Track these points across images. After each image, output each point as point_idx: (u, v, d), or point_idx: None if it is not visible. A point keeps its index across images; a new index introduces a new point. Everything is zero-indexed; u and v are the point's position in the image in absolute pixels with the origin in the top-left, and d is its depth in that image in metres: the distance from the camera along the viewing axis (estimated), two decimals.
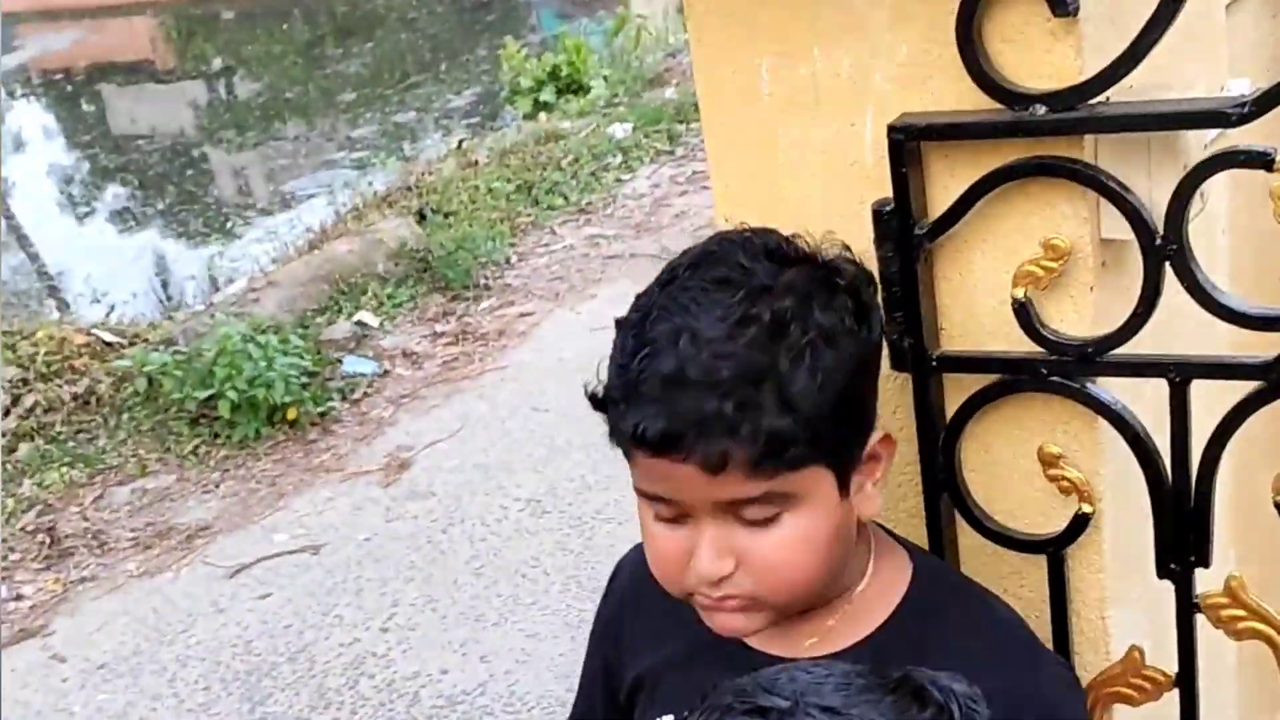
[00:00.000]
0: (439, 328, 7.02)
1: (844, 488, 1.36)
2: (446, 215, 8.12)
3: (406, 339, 6.91)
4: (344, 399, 6.42)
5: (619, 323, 1.36)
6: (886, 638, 1.43)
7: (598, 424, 1.37)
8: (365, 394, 6.49)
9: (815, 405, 1.28)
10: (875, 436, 1.40)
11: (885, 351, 1.57)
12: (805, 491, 1.33)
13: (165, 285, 8.93)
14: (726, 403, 1.25)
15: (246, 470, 5.93)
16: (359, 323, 7.02)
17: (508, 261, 7.75)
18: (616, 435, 1.33)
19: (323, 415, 6.22)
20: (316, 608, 4.88)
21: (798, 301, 1.30)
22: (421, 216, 8.02)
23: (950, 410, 1.58)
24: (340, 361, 6.68)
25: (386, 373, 6.67)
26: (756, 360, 1.27)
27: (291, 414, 6.11)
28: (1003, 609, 1.52)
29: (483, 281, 7.48)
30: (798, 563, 1.35)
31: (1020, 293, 1.47)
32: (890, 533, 1.55)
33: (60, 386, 6.26)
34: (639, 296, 1.36)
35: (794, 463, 1.29)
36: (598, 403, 1.35)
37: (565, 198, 8.56)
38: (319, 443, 6.09)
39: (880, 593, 1.46)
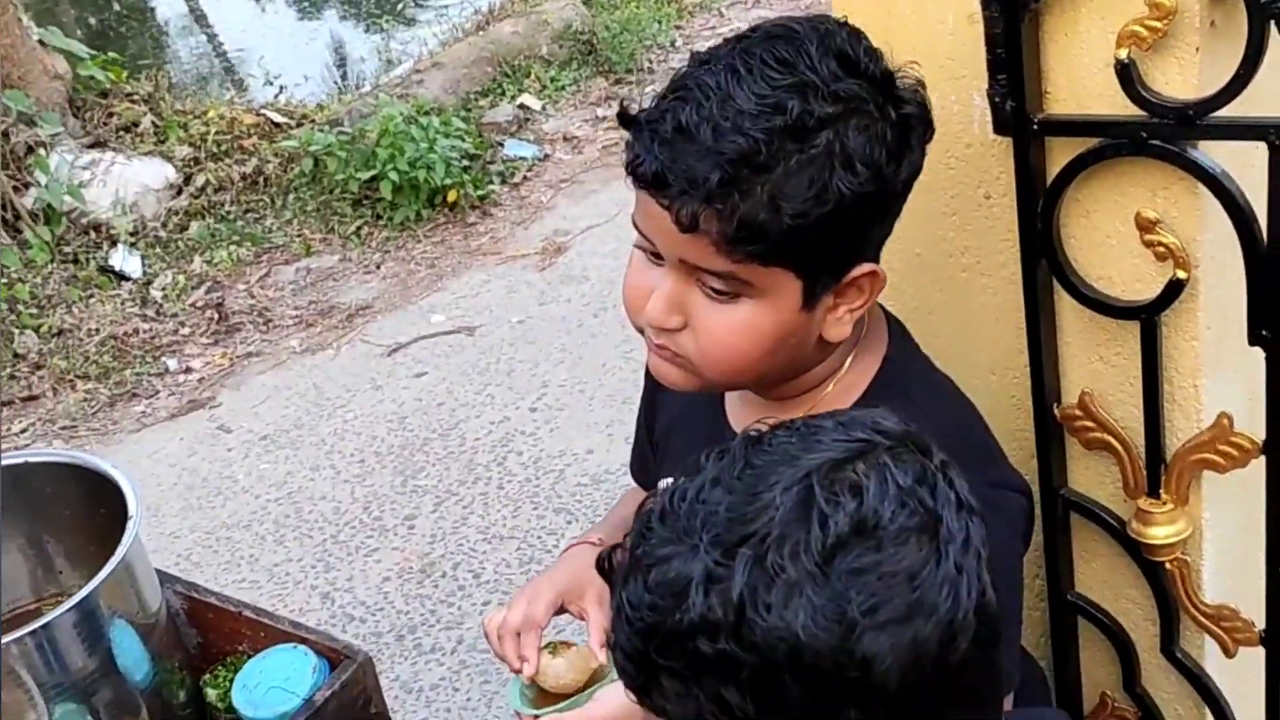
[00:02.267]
0: (600, 112, 7.01)
1: (809, 301, 1.38)
2: None
3: (568, 123, 6.92)
4: (504, 182, 6.48)
5: (691, 56, 1.38)
6: None
7: None
8: (525, 178, 6.54)
9: (800, 214, 1.29)
10: (863, 268, 1.40)
11: (988, 116, 1.57)
12: (767, 288, 1.35)
13: (339, 67, 9.04)
14: (718, 173, 1.27)
15: (406, 252, 6.05)
16: (521, 106, 7.05)
17: (673, 45, 7.67)
18: (628, 164, 1.37)
19: (482, 198, 6.30)
20: (469, 387, 5.01)
21: (839, 113, 1.30)
22: None
23: (1050, 175, 1.56)
24: (501, 145, 6.72)
25: (547, 157, 6.71)
26: (766, 149, 1.28)
27: (452, 196, 6.19)
28: (962, 412, 1.53)
29: (647, 65, 7.43)
30: (737, 347, 1.39)
31: (1124, 53, 1.44)
32: (890, 318, 1.57)
33: (230, 166, 6.41)
34: (719, 44, 1.37)
35: (761, 257, 1.31)
36: (623, 119, 1.38)
37: None
38: (478, 225, 6.18)
39: (844, 390, 1.50)
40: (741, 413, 1.57)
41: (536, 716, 1.56)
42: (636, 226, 1.41)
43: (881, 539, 0.95)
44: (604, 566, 1.08)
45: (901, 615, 0.93)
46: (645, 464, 1.80)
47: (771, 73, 1.30)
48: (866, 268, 1.40)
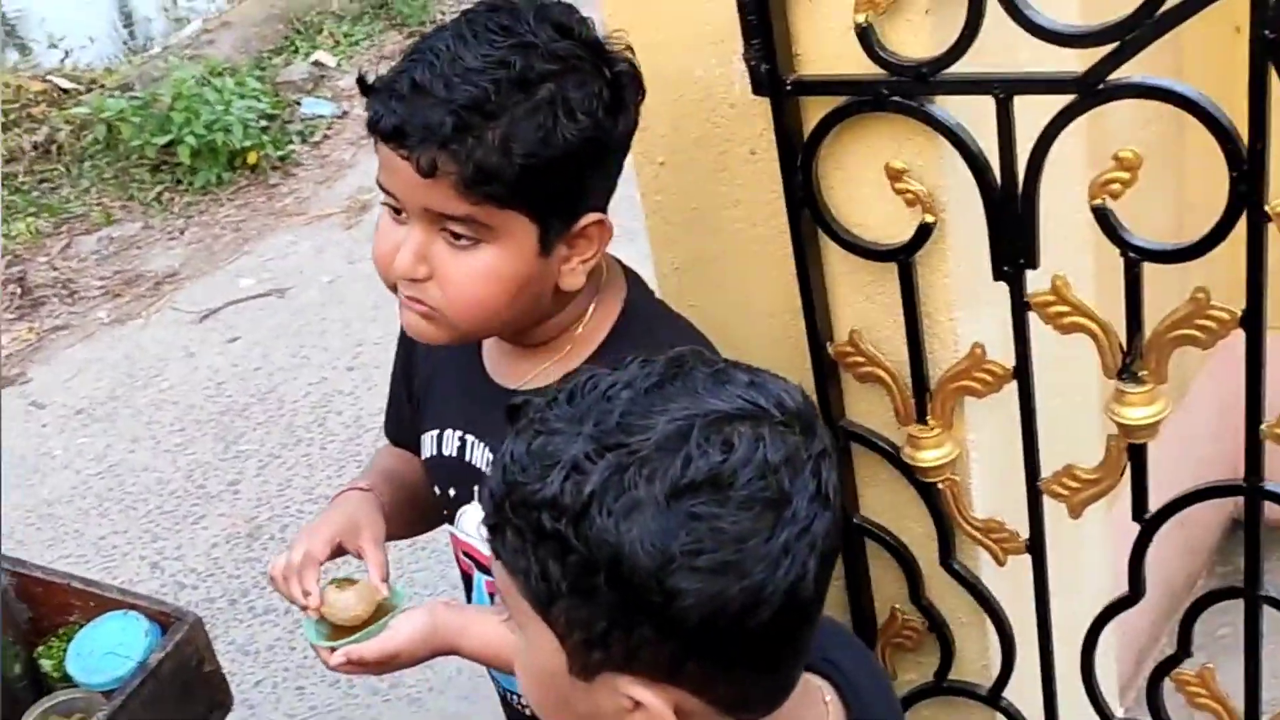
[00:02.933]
0: None
1: (544, 246, 1.50)
2: None
3: None
4: (304, 141, 6.47)
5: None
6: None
7: None
8: (325, 136, 6.53)
9: (530, 155, 1.42)
10: (591, 218, 1.53)
11: (747, 78, 1.67)
12: (505, 230, 1.48)
13: (126, 27, 8.82)
14: (451, 119, 1.40)
15: (210, 216, 6.02)
16: (316, 63, 7.02)
17: None
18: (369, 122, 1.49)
19: (283, 159, 6.28)
20: (284, 349, 5.02)
21: (558, 70, 1.44)
22: None
23: (807, 132, 1.67)
24: (299, 103, 6.70)
25: (345, 114, 6.70)
26: (494, 97, 1.41)
27: (252, 158, 6.17)
28: (695, 344, 1.65)
29: (440, 16, 7.42)
30: (481, 294, 1.51)
31: (861, 18, 1.55)
32: (626, 270, 1.69)
33: (20, 135, 6.29)
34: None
35: (497, 199, 1.44)
36: (362, 86, 1.50)
37: None
38: (281, 186, 6.17)
39: (591, 331, 1.63)
40: (499, 363, 1.69)
41: (333, 649, 1.64)
42: (381, 186, 1.52)
43: (729, 497, 1.02)
44: (513, 412, 1.16)
45: (714, 567, 1.01)
46: (401, 423, 1.90)
47: (494, 37, 1.44)
48: (594, 217, 1.53)
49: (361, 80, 1.51)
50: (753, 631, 1.05)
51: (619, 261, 1.70)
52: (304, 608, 1.68)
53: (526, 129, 1.42)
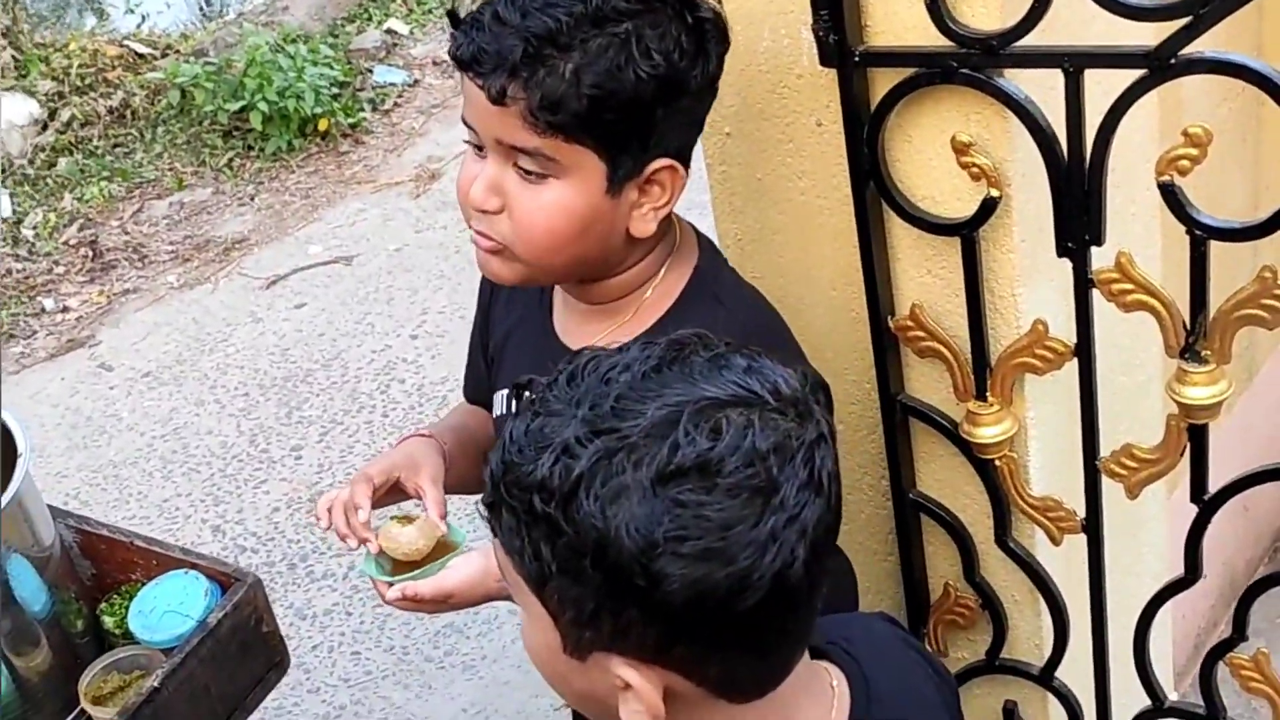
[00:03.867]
0: None
1: (613, 185, 1.51)
2: None
3: (436, 47, 6.92)
4: (375, 109, 6.49)
5: None
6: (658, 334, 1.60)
7: None
8: (396, 104, 6.55)
9: (600, 92, 1.44)
10: (662, 162, 1.53)
11: (815, 49, 1.67)
12: (573, 165, 1.49)
13: None
14: (521, 47, 1.43)
15: (280, 183, 6.06)
16: (389, 31, 7.04)
17: None
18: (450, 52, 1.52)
19: (354, 126, 6.30)
20: (349, 316, 5.05)
21: (637, 9, 1.45)
22: None
23: (874, 103, 1.67)
24: (370, 71, 6.72)
25: (417, 82, 6.72)
26: (568, 29, 1.43)
27: (323, 125, 6.19)
28: (765, 314, 1.67)
29: None
30: (549, 227, 1.52)
31: None
32: (701, 236, 1.70)
33: (96, 100, 6.34)
34: None
35: (564, 129, 1.46)
36: (453, 18, 1.54)
37: None
38: (351, 154, 6.19)
39: (660, 296, 1.63)
40: (569, 324, 1.70)
41: (391, 583, 1.66)
42: (465, 121, 1.55)
43: (716, 484, 1.03)
44: (518, 391, 1.18)
45: (699, 554, 1.02)
46: (479, 383, 1.90)
47: None
48: (665, 162, 1.53)
49: (453, 13, 1.54)
50: (740, 616, 1.05)
51: (693, 227, 1.70)
52: (343, 537, 1.70)
53: (598, 63, 1.44)
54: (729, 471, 1.03)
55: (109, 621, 1.94)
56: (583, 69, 1.43)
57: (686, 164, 1.56)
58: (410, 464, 1.76)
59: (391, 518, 1.71)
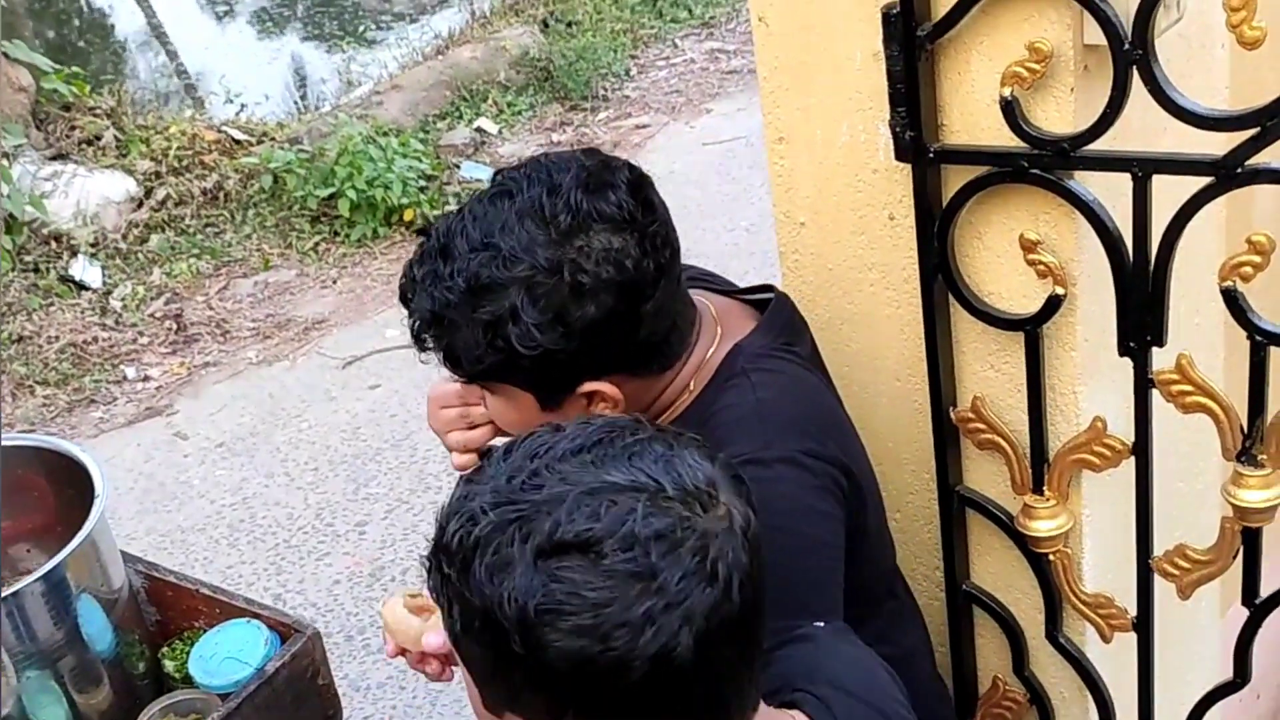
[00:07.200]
0: (555, 136, 7.16)
1: (548, 404, 1.62)
2: (570, 25, 8.21)
3: (523, 146, 7.06)
4: (459, 202, 6.59)
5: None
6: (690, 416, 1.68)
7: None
8: None
9: (491, 359, 1.58)
10: (589, 386, 1.60)
11: (890, 144, 1.73)
12: (504, 391, 1.64)
13: (299, 87, 9.14)
14: (418, 319, 1.60)
15: (363, 268, 6.18)
16: (478, 129, 7.19)
17: (627, 74, 7.84)
18: None
19: (438, 218, 6.39)
20: (421, 399, 5.05)
21: (524, 279, 1.54)
22: (545, 25, 8.13)
23: (946, 199, 1.72)
24: (458, 166, 6.85)
25: None
26: (455, 308, 1.56)
27: (408, 215, 6.32)
28: (784, 393, 1.68)
29: (601, 92, 7.60)
30: (507, 422, 1.68)
31: (1008, 91, 1.60)
32: (778, 303, 1.78)
33: (191, 181, 6.52)
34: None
35: (473, 378, 1.63)
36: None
37: (690, 10, 8.56)
38: None
39: (698, 385, 1.69)
40: None
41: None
42: None
43: (593, 564, 1.08)
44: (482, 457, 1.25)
45: (573, 629, 1.07)
46: None
47: (471, 255, 1.56)
48: (592, 386, 1.61)
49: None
50: (630, 690, 1.09)
51: (779, 295, 1.78)
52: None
53: (484, 335, 1.56)
54: (607, 553, 1.08)
55: (170, 665, 1.99)
56: (470, 343, 1.57)
57: (636, 370, 1.64)
58: None
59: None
